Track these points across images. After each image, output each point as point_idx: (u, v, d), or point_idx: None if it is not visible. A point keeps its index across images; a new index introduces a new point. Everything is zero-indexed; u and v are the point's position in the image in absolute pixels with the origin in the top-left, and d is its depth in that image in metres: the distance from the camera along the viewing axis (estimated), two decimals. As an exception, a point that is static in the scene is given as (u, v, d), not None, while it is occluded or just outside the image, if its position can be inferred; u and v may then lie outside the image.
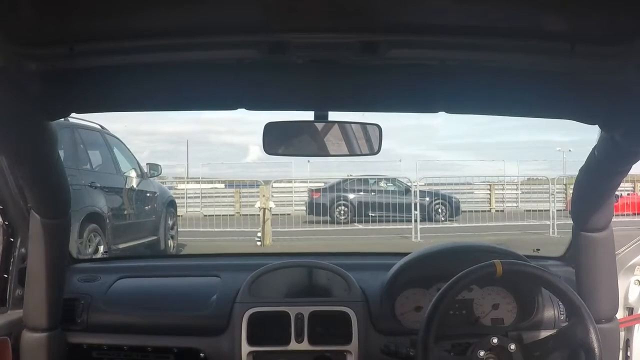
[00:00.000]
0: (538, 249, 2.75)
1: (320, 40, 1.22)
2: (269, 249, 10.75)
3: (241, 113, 11.30)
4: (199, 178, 19.94)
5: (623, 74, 1.25)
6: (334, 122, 1.63)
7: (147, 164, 9.15)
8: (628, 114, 1.42)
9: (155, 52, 1.26)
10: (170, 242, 9.55)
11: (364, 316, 2.00)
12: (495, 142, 48.82)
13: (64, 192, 1.81)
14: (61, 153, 1.74)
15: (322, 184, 16.39)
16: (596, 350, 1.64)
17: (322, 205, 15.24)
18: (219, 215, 14.15)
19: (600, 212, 1.82)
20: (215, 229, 13.22)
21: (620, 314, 2.03)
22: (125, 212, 8.10)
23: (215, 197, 17.67)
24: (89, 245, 6.76)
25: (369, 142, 1.67)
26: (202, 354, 2.01)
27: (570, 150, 25.38)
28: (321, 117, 1.61)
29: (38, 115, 1.46)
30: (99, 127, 8.03)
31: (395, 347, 1.78)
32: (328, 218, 15.35)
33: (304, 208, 16.19)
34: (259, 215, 11.82)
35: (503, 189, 19.15)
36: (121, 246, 7.65)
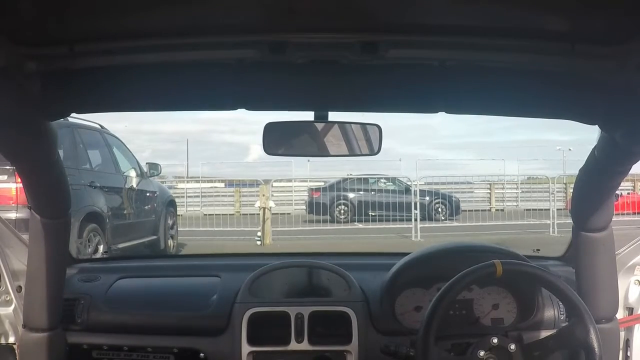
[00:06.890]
0: (538, 249, 2.75)
1: (320, 40, 1.23)
2: (268, 248, 10.74)
3: (243, 113, 11.24)
4: (198, 177, 19.96)
5: (623, 74, 1.25)
6: (334, 123, 1.63)
7: (146, 163, 9.17)
8: (628, 114, 1.42)
9: (155, 52, 1.26)
10: (170, 242, 9.55)
11: (364, 316, 2.00)
12: (495, 142, 48.97)
13: (64, 192, 1.80)
14: (61, 153, 1.74)
15: (322, 183, 16.40)
16: (596, 350, 1.64)
17: (322, 205, 15.23)
18: (219, 214, 14.15)
19: (600, 212, 1.82)
20: (215, 229, 13.22)
21: (620, 314, 2.03)
22: (125, 212, 8.10)
23: (215, 196, 17.69)
24: (89, 245, 6.76)
25: (369, 142, 1.66)
26: (202, 354, 2.01)
27: (570, 150, 25.43)
28: (321, 117, 1.61)
29: (38, 115, 1.46)
30: (99, 127, 8.04)
31: (395, 347, 1.78)
32: (328, 217, 15.34)
33: (304, 207, 16.20)
34: (258, 214, 11.82)
35: (503, 188, 19.16)
36: (121, 246, 7.65)
